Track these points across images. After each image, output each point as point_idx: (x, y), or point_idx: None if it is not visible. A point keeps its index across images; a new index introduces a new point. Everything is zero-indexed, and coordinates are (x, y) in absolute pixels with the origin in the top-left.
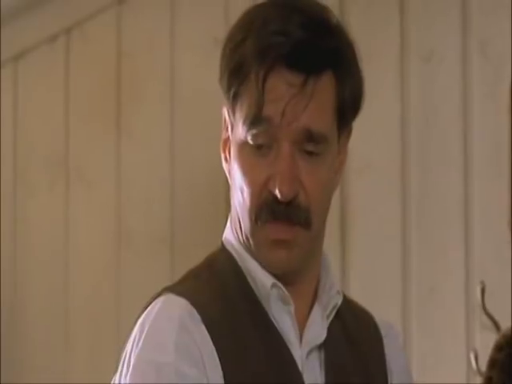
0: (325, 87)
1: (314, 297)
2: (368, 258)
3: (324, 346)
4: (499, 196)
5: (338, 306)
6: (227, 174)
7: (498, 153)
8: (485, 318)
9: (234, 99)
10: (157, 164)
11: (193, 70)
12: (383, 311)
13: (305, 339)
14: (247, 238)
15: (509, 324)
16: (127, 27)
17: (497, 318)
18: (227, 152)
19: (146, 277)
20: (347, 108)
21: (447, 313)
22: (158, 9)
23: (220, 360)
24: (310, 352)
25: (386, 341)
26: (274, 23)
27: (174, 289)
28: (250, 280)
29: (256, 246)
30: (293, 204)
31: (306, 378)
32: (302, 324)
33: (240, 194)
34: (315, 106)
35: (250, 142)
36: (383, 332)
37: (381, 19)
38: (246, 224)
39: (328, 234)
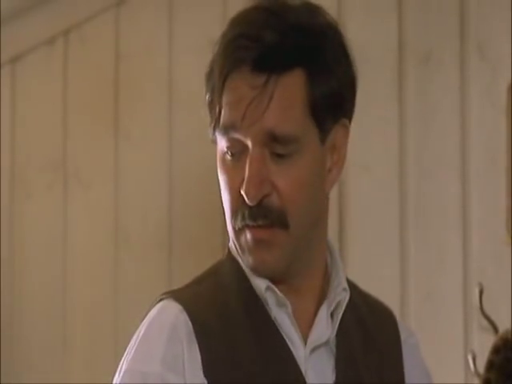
0: (289, 86)
1: (324, 294)
2: (366, 260)
3: (336, 342)
4: (497, 197)
5: (344, 303)
6: None
7: (496, 154)
8: (483, 320)
9: (209, 106)
10: (155, 166)
11: (191, 72)
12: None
13: (310, 338)
14: (234, 244)
15: (506, 326)
16: (125, 29)
17: (494, 319)
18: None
19: (144, 279)
20: (322, 105)
21: (445, 315)
22: (156, 11)
23: (205, 372)
24: (314, 350)
25: (404, 347)
26: (244, 27)
27: (174, 294)
28: (253, 284)
29: (240, 251)
30: (263, 206)
31: (313, 376)
32: (309, 322)
33: (224, 202)
34: (278, 106)
35: (224, 148)
36: (403, 336)
37: (379, 21)
38: (230, 231)
39: None
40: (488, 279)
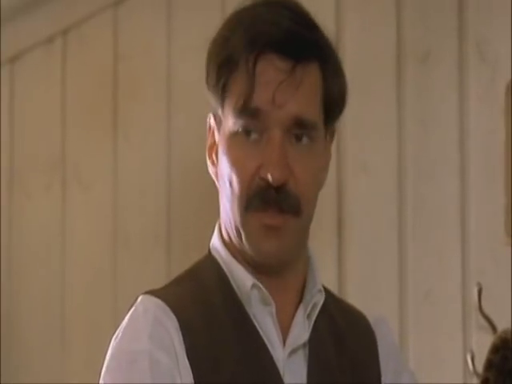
0: (312, 77)
1: (301, 297)
2: (364, 261)
3: (309, 345)
4: (495, 197)
5: (319, 305)
6: (214, 179)
7: (495, 154)
8: (481, 320)
9: (223, 91)
10: (153, 166)
11: (189, 72)
12: (380, 313)
13: (288, 340)
14: (238, 230)
15: (505, 325)
16: (124, 29)
17: (493, 319)
18: (214, 156)
19: (142, 278)
20: (333, 103)
21: (444, 314)
22: (155, 11)
23: (189, 360)
24: (292, 352)
25: (382, 345)
26: (263, 16)
27: (153, 292)
28: (233, 284)
29: (247, 235)
30: (283, 191)
31: (289, 377)
32: (287, 324)
33: (229, 186)
34: (304, 94)
35: (240, 129)
36: (379, 335)
37: (377, 20)
38: (236, 215)
39: (324, 236)
40: (487, 279)
